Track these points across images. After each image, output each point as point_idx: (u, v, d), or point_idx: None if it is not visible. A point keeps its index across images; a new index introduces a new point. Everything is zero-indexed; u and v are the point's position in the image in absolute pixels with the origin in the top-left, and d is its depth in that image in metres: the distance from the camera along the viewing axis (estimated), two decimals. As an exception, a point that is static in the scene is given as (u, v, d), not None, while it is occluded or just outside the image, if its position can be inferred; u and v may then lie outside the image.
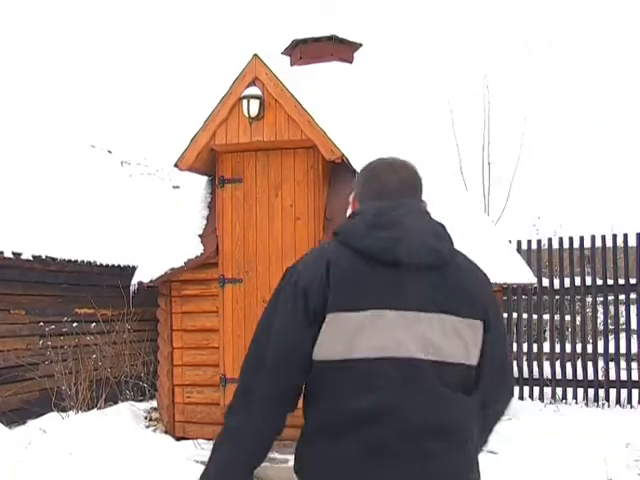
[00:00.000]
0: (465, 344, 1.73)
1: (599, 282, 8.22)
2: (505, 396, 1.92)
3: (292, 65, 7.57)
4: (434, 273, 1.73)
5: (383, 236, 1.70)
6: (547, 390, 8.31)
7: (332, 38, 7.34)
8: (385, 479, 1.61)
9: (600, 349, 8.13)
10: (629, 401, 7.92)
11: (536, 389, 8.36)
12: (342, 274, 1.68)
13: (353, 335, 1.64)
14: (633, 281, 8.05)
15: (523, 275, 6.95)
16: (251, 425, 1.70)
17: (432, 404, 1.66)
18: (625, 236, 8.25)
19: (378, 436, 1.61)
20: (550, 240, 8.66)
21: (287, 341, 1.68)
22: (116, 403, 7.33)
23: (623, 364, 8.00)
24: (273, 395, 1.69)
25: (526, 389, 8.40)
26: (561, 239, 8.46)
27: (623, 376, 7.98)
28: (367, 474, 1.60)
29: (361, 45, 7.60)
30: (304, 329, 1.66)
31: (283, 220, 5.95)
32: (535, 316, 8.47)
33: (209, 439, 5.90)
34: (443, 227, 1.82)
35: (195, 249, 6.04)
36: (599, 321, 8.41)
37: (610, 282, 8.22)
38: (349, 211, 1.92)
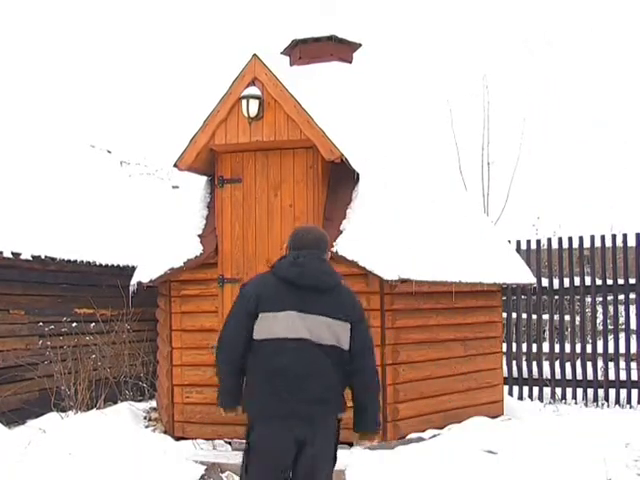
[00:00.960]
0: (335, 334, 3.20)
1: (598, 282, 8.23)
2: (366, 363, 3.28)
3: (292, 65, 7.56)
4: (321, 294, 3.22)
5: (295, 270, 3.22)
6: (547, 390, 8.32)
7: (332, 38, 7.32)
8: (290, 402, 3.11)
9: (600, 349, 8.14)
10: (628, 401, 7.93)
11: (536, 389, 8.37)
12: (267, 293, 3.23)
13: (271, 325, 3.18)
14: (632, 281, 8.05)
15: (523, 275, 6.95)
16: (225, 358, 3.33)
17: (311, 362, 3.15)
18: (625, 236, 8.24)
19: (284, 380, 3.13)
20: (550, 240, 8.66)
21: (238, 326, 3.25)
22: (115, 403, 7.33)
23: (622, 364, 8.01)
24: (232, 352, 3.27)
25: (526, 389, 8.41)
26: (561, 239, 8.46)
27: (622, 376, 7.99)
28: (279, 400, 3.13)
29: (361, 45, 7.59)
30: (247, 320, 3.22)
31: (282, 220, 5.95)
32: (535, 316, 8.47)
33: (208, 439, 5.90)
34: (330, 268, 3.34)
35: (195, 249, 6.03)
36: (598, 321, 8.41)
37: (609, 282, 8.21)
38: (284, 253, 3.42)
